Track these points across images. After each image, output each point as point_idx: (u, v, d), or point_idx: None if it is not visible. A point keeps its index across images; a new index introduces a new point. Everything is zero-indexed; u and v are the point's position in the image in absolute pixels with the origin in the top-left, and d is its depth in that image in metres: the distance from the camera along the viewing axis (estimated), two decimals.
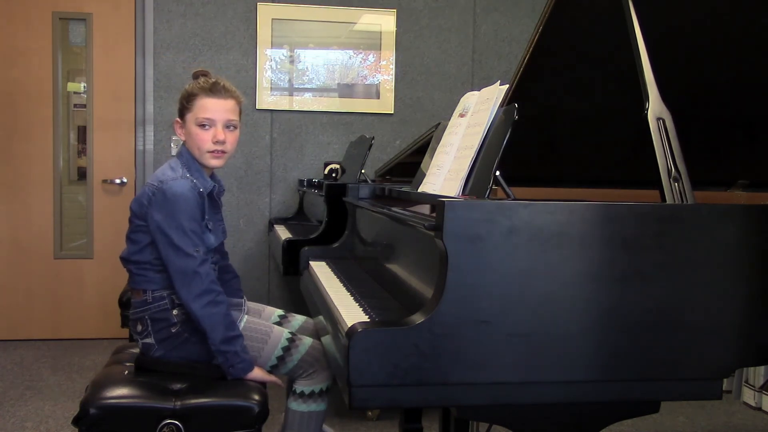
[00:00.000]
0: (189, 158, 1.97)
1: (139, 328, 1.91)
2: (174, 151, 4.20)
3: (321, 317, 1.83)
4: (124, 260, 1.95)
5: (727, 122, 1.95)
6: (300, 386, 1.97)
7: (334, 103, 4.39)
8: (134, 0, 4.20)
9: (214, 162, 1.95)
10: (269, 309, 2.18)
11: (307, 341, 1.98)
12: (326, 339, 1.77)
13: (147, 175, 4.20)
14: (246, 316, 2.00)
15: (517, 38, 4.49)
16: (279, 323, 2.18)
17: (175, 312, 1.89)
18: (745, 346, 1.40)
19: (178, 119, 1.98)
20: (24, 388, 3.41)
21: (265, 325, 1.99)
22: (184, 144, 2.00)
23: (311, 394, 1.96)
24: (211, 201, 1.97)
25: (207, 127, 1.92)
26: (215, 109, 1.92)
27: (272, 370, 1.96)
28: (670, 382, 1.37)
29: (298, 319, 2.20)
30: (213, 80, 1.95)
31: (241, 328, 1.92)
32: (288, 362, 1.95)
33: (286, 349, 1.95)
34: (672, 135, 1.47)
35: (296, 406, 1.97)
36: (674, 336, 1.35)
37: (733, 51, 1.79)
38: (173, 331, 1.89)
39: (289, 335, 1.97)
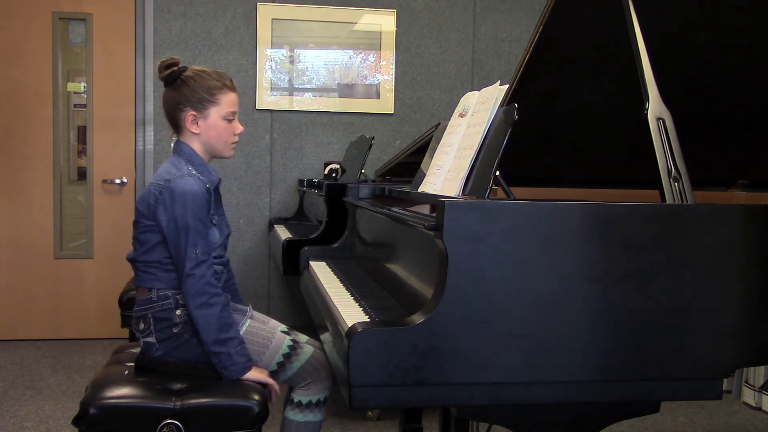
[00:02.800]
0: (192, 154, 1.97)
1: (142, 326, 1.91)
2: None
3: (324, 320, 1.83)
4: (132, 261, 1.95)
5: (727, 122, 1.95)
6: (298, 395, 1.97)
7: (334, 103, 4.39)
8: (134, 0, 4.20)
9: (232, 152, 2.05)
10: (273, 322, 2.13)
11: (308, 350, 1.97)
12: (326, 339, 1.77)
13: (147, 175, 4.20)
14: (249, 321, 1.99)
15: (517, 38, 4.49)
16: None
17: (178, 312, 1.88)
18: (745, 346, 1.40)
19: (194, 112, 1.96)
20: (24, 388, 3.41)
21: (269, 330, 1.98)
22: (180, 141, 2.00)
23: (308, 404, 1.96)
24: (215, 194, 1.99)
25: (231, 120, 1.99)
26: (237, 102, 2.01)
27: (272, 376, 1.94)
28: (670, 382, 1.37)
29: (301, 338, 2.12)
30: (223, 72, 2.02)
31: (242, 332, 1.91)
32: (288, 369, 1.95)
33: (287, 356, 1.94)
34: (672, 135, 1.47)
35: (293, 415, 1.97)
36: (674, 336, 1.35)
37: (733, 51, 1.79)
38: (175, 331, 1.89)
39: (291, 342, 1.97)
